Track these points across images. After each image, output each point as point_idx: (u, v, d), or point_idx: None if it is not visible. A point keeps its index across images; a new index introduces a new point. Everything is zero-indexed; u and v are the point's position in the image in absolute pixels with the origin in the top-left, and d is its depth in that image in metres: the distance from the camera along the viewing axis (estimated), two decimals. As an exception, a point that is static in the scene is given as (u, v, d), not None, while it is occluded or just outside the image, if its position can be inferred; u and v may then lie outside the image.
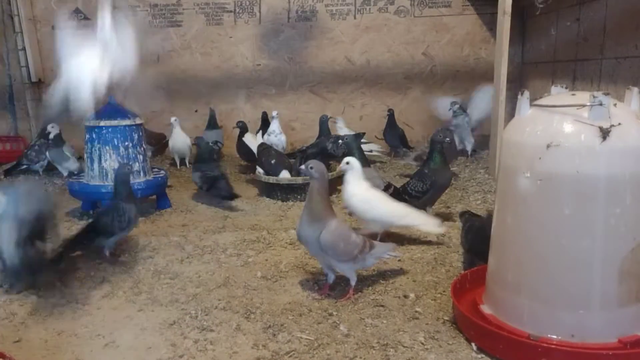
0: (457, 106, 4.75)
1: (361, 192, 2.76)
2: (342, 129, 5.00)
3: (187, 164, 5.01)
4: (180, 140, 4.91)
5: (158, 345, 1.95)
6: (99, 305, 2.28)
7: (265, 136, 4.57)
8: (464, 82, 5.60)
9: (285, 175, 3.82)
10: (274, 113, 4.62)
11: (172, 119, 4.90)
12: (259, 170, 3.99)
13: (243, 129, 4.68)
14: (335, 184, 4.13)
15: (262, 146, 4.13)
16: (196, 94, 5.62)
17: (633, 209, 1.72)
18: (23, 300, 2.34)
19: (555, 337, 1.77)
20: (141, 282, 2.49)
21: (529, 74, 5.34)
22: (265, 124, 5.06)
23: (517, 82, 5.40)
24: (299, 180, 3.79)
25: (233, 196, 3.64)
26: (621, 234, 1.72)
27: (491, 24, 5.23)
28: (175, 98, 5.59)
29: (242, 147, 4.62)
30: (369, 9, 5.50)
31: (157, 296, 2.34)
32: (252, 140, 4.65)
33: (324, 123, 4.63)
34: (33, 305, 2.29)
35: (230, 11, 5.50)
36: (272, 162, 3.89)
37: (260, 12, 5.50)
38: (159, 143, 5.29)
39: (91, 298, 2.35)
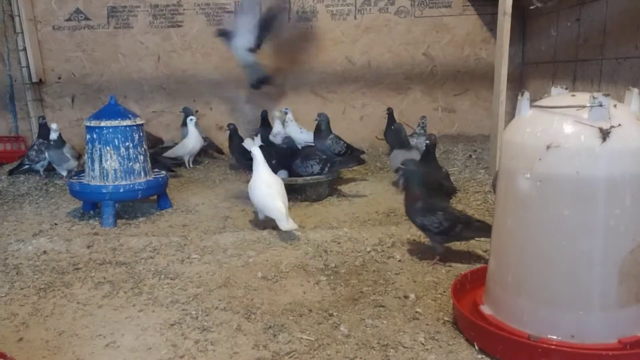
0: (424, 120, 4.61)
1: (252, 180, 3.20)
2: (291, 122, 4.95)
3: (190, 164, 5.04)
4: (195, 140, 4.92)
5: (159, 345, 1.96)
6: (99, 305, 2.29)
7: (271, 137, 4.54)
8: (465, 83, 5.61)
9: (282, 175, 3.82)
10: (276, 113, 4.60)
11: (188, 119, 4.90)
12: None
13: (233, 132, 4.66)
14: (334, 184, 4.13)
15: (262, 147, 4.12)
16: (197, 94, 5.62)
17: (633, 210, 1.72)
18: (24, 300, 2.35)
19: (555, 337, 1.77)
20: (142, 283, 2.50)
21: (530, 74, 5.34)
22: (265, 123, 5.05)
23: (517, 83, 5.41)
24: (299, 180, 3.79)
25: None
26: (621, 234, 1.73)
27: (491, 25, 5.24)
28: (175, 98, 5.59)
29: (238, 148, 4.57)
30: (369, 9, 5.51)
31: (158, 296, 2.35)
32: (251, 144, 4.60)
33: (323, 122, 4.58)
34: (34, 305, 2.30)
35: (231, 11, 5.50)
36: (272, 162, 3.89)
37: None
38: (154, 147, 5.22)
39: (92, 298, 2.35)
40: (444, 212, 2.55)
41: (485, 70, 5.41)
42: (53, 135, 4.33)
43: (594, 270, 1.75)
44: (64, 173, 4.48)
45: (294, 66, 5.22)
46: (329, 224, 3.28)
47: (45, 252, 2.90)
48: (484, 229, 2.51)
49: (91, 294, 2.39)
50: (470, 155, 5.03)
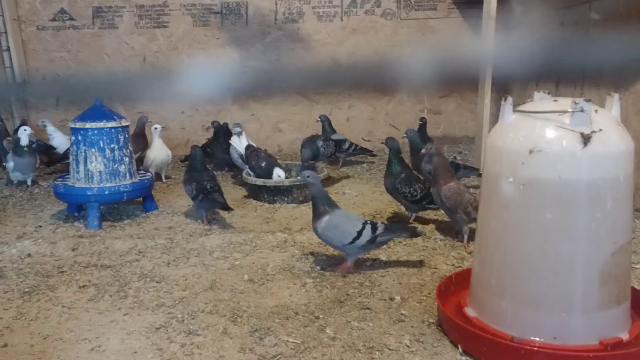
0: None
1: None
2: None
3: (163, 178, 4.48)
4: (157, 150, 4.32)
5: (144, 349, 1.95)
6: (84, 309, 2.28)
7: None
8: (450, 84, 5.64)
9: (278, 172, 3.82)
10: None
11: (152, 128, 4.40)
12: (247, 172, 3.98)
13: (219, 130, 4.65)
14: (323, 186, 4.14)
15: (250, 148, 4.12)
16: (183, 95, 5.59)
17: (613, 213, 1.76)
18: (8, 304, 2.33)
19: (538, 339, 1.80)
20: (127, 286, 2.49)
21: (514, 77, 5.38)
22: (218, 135, 4.69)
23: (502, 85, 5.45)
24: (286, 182, 3.79)
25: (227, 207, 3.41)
26: (602, 237, 1.76)
27: (476, 28, 5.28)
28: (161, 99, 5.57)
29: (221, 151, 4.54)
30: (356, 11, 5.53)
31: (144, 300, 2.34)
32: (238, 142, 4.55)
33: (324, 122, 4.75)
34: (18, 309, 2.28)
35: (217, 12, 5.49)
36: (263, 165, 3.89)
37: (247, 13, 5.50)
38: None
39: (77, 301, 2.34)
40: (197, 183, 3.33)
41: (470, 72, 5.45)
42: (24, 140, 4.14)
43: (576, 273, 1.78)
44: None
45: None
46: (315, 226, 3.29)
47: (29, 255, 2.88)
48: (218, 200, 3.32)
49: (76, 298, 2.38)
50: (455, 157, 5.06)
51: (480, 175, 3.71)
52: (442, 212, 3.20)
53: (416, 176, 3.33)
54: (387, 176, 3.32)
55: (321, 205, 2.59)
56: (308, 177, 2.65)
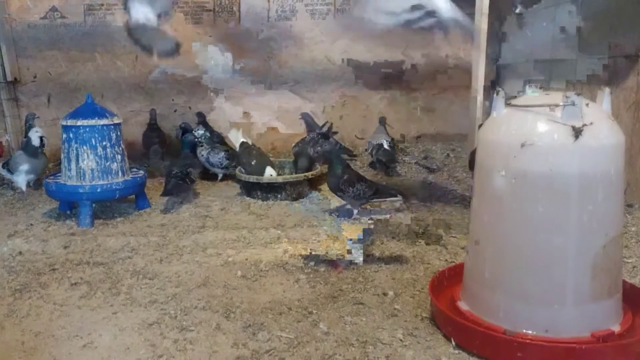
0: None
1: None
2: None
3: None
4: None
5: (137, 345, 1.95)
6: (76, 306, 2.27)
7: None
8: (443, 82, 5.65)
9: (270, 171, 3.81)
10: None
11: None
12: (240, 169, 3.98)
13: (185, 130, 4.61)
14: (317, 183, 4.14)
15: (244, 145, 4.11)
16: (175, 93, 5.57)
17: (604, 205, 1.76)
18: (-1, 302, 2.31)
19: (530, 332, 1.81)
20: (120, 283, 2.47)
21: (506, 73, 5.40)
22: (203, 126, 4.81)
23: (494, 81, 5.46)
24: (279, 179, 3.79)
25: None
26: (593, 230, 1.77)
27: (469, 24, 5.28)
28: (153, 97, 5.54)
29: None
30: (349, 8, 5.52)
31: (136, 296, 2.33)
32: (235, 137, 4.48)
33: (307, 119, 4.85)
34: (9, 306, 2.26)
35: (210, 10, 5.47)
36: (253, 162, 3.88)
37: (239, 11, 5.48)
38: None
39: (69, 299, 2.33)
40: (182, 168, 3.74)
41: (463, 70, 5.46)
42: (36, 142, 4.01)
43: (568, 266, 1.78)
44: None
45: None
46: (309, 222, 3.29)
47: (20, 253, 2.86)
48: (165, 186, 3.68)
49: (68, 295, 2.37)
50: (448, 154, 5.07)
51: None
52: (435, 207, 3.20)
53: (358, 174, 3.33)
54: (331, 176, 3.29)
55: None
56: None
